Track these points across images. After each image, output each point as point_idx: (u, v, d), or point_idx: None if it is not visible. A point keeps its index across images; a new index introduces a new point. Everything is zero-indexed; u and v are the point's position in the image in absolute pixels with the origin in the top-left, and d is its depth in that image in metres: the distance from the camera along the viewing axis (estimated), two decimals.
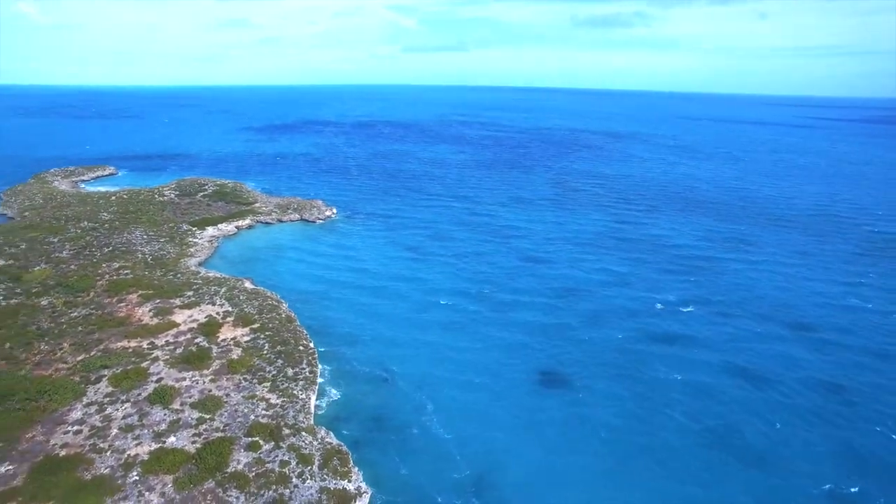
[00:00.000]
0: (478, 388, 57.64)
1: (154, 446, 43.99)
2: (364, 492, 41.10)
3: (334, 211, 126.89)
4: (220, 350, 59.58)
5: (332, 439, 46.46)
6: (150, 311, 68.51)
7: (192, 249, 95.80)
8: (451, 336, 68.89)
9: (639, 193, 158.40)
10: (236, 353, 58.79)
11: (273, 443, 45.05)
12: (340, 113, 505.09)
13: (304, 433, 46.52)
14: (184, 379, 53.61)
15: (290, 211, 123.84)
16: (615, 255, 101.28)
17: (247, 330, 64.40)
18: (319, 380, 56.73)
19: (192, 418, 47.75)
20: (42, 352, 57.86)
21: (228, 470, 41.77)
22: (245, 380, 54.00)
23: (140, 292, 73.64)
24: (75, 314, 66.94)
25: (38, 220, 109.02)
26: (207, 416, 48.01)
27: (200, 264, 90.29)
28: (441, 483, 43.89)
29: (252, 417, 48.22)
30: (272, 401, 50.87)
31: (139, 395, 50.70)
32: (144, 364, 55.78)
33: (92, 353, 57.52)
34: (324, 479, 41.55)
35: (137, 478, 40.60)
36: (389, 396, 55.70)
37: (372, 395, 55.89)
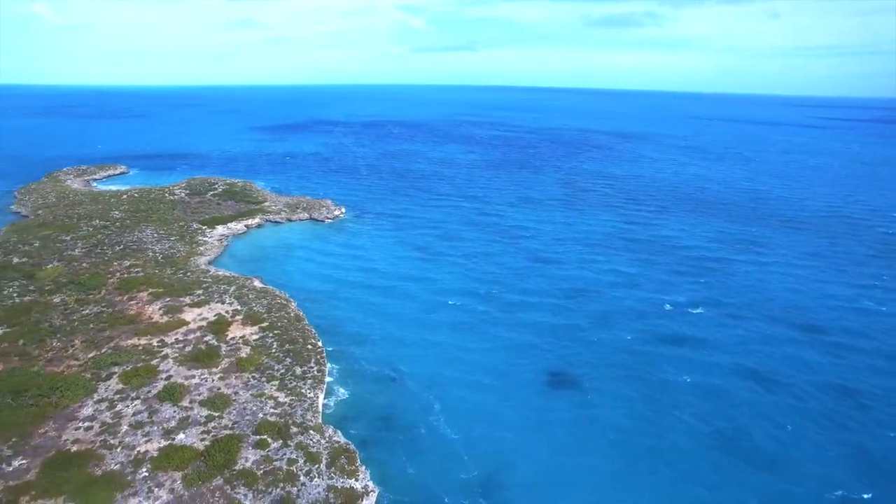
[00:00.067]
0: (486, 388, 57.51)
1: (163, 443, 44.28)
2: (371, 490, 41.13)
3: (343, 210, 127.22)
4: (228, 348, 59.88)
5: (340, 438, 46.53)
6: (160, 309, 69.00)
7: (201, 248, 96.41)
8: (459, 336, 68.81)
9: (649, 194, 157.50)
10: (245, 352, 59.07)
11: (281, 441, 45.19)
12: (349, 113, 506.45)
13: (311, 432, 46.63)
14: (193, 377, 53.94)
15: (299, 210, 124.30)
16: (624, 255, 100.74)
17: (255, 328, 64.69)
18: (328, 379, 56.87)
19: (200, 416, 48.01)
20: (54, 349, 58.44)
21: (237, 467, 41.95)
22: (253, 378, 54.23)
23: (150, 290, 74.21)
24: (87, 312, 67.55)
25: (51, 219, 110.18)
26: (216, 414, 48.26)
27: (210, 263, 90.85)
28: (448, 483, 43.82)
29: (260, 415, 48.41)
30: (280, 399, 51.04)
31: (149, 392, 51.06)
32: (154, 362, 56.18)
33: (103, 351, 58.03)
34: (331, 478, 41.62)
35: (147, 474, 40.88)
36: (397, 396, 55.71)
37: (380, 394, 55.93)
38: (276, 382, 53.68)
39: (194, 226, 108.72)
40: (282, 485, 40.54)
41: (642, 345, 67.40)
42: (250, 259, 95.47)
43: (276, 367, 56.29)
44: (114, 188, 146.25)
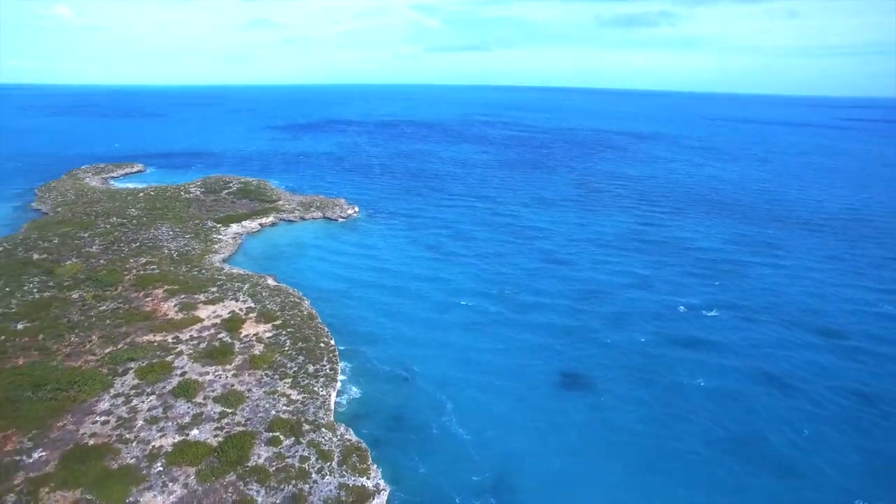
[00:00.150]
0: (498, 389, 57.34)
1: (178, 438, 44.74)
2: (382, 489, 41.21)
3: (356, 209, 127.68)
4: (242, 345, 60.36)
5: (352, 436, 46.69)
6: (175, 305, 69.73)
7: (216, 246, 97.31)
8: (471, 337, 68.71)
9: (663, 195, 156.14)
10: (258, 349, 59.50)
11: (293, 438, 45.44)
12: (363, 112, 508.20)
13: (323, 429, 46.83)
14: (207, 373, 54.44)
15: (312, 209, 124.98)
16: (638, 257, 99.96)
17: (269, 326, 65.13)
18: (340, 377, 57.11)
19: (214, 412, 48.44)
20: (72, 343, 59.32)
21: (249, 464, 42.26)
22: (267, 375, 54.60)
23: (166, 287, 75.02)
24: (104, 308, 68.47)
25: (70, 216, 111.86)
26: (229, 411, 48.65)
27: (224, 261, 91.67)
28: (459, 483, 43.75)
29: (273, 413, 48.71)
30: (293, 397, 51.33)
31: (164, 388, 51.62)
32: (169, 358, 56.79)
33: (119, 346, 58.78)
34: (343, 476, 41.77)
35: (161, 469, 41.33)
36: (409, 396, 55.75)
37: (392, 393, 56.00)
38: (289, 380, 53.99)
39: (209, 224, 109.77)
40: (294, 482, 40.76)
41: (656, 347, 66.81)
42: (264, 257, 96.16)
43: (288, 365, 56.64)
44: (131, 186, 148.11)
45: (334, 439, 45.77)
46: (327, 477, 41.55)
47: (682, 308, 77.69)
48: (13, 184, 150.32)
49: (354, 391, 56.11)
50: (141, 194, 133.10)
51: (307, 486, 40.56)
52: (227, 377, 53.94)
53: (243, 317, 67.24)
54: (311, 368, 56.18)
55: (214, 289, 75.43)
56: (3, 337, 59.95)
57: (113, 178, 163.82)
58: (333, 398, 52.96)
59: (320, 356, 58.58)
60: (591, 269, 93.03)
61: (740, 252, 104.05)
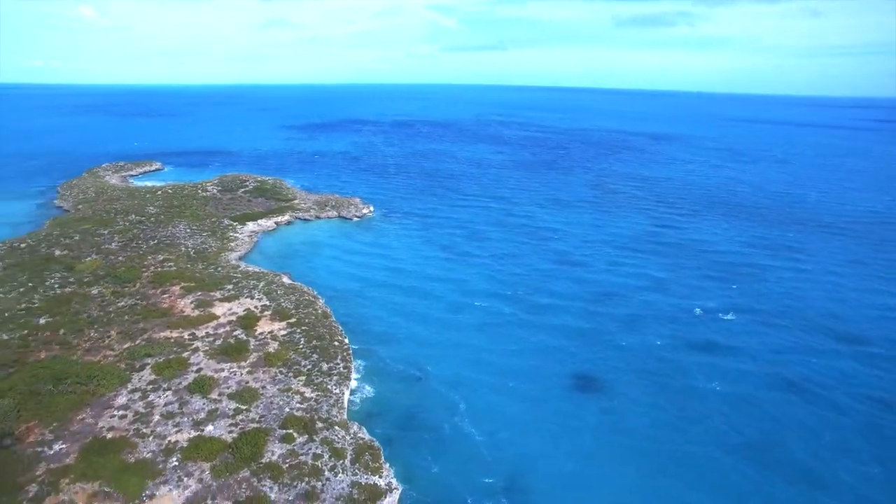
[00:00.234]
0: (511, 390, 57.14)
1: (193, 434, 45.23)
2: (395, 488, 41.27)
3: (371, 209, 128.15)
4: (257, 343, 60.86)
5: (365, 435, 46.85)
6: (191, 302, 70.53)
7: (232, 244, 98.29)
8: (485, 337, 68.56)
9: (680, 197, 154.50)
10: (273, 347, 59.94)
11: (307, 436, 45.70)
12: (379, 112, 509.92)
13: (337, 427, 47.05)
14: (222, 370, 54.97)
15: (327, 208, 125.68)
16: (654, 259, 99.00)
17: (283, 324, 65.60)
18: (354, 376, 57.35)
19: (229, 408, 48.90)
20: (91, 339, 60.30)
21: (263, 460, 42.59)
22: (281, 373, 55.00)
23: (182, 284, 75.91)
24: (122, 304, 69.51)
25: (90, 213, 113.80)
26: (244, 407, 49.08)
27: (240, 258, 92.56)
28: (472, 484, 43.68)
29: (287, 410, 49.04)
30: (307, 394, 51.63)
31: (180, 383, 52.23)
32: (185, 354, 57.45)
33: (137, 342, 59.61)
34: (355, 474, 41.92)
35: (177, 463, 41.83)
36: (422, 395, 55.78)
37: (405, 393, 56.09)
38: (303, 378, 54.32)
39: (225, 222, 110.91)
40: (307, 479, 40.99)
41: (671, 350, 66.10)
42: (279, 255, 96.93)
43: (303, 363, 56.98)
44: (149, 184, 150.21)
45: (347, 437, 45.95)
46: (340, 475, 41.73)
47: (698, 311, 76.78)
48: (37, 181, 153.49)
49: (368, 390, 56.32)
50: (159, 192, 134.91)
51: (320, 483, 40.77)
52: (241, 374, 54.44)
53: (258, 314, 67.80)
54: (324, 367, 56.47)
55: (230, 286, 76.17)
56: (25, 331, 61.16)
57: (132, 176, 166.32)
58: (347, 396, 53.19)
59: (334, 354, 58.86)
60: (606, 271, 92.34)
61: (759, 255, 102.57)
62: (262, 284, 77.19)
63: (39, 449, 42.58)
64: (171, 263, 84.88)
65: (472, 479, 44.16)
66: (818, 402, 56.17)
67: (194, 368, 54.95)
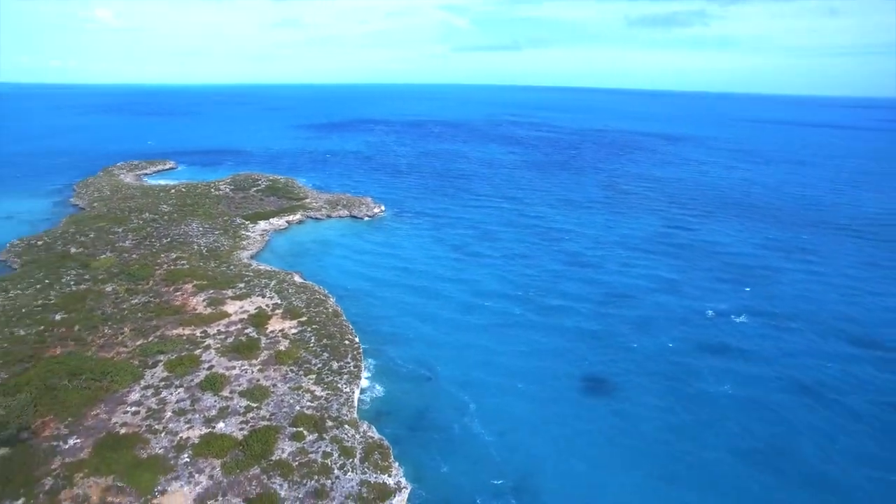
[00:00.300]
0: (521, 392, 56.98)
1: (204, 431, 45.64)
2: (404, 487, 41.34)
3: (383, 208, 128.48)
4: (268, 341, 61.27)
5: (374, 433, 46.99)
6: (203, 300, 71.16)
7: (244, 242, 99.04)
8: (495, 338, 68.45)
9: (693, 198, 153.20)
10: (284, 345, 60.30)
11: (316, 434, 45.93)
12: (391, 112, 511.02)
13: (346, 426, 47.23)
14: (233, 368, 55.41)
15: (339, 207, 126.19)
16: (666, 260, 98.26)
17: (294, 322, 65.97)
18: (364, 375, 57.54)
19: (240, 406, 49.28)
20: (105, 335, 61.06)
21: (273, 458, 42.86)
22: (291, 371, 55.32)
23: (195, 282, 76.61)
24: (136, 301, 70.30)
25: (105, 211, 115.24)
26: (255, 405, 49.43)
27: (252, 257, 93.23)
28: (481, 484, 43.62)
29: (297, 408, 49.32)
30: (317, 393, 51.89)
31: (192, 381, 52.72)
32: (197, 352, 57.97)
33: (150, 339, 60.27)
34: (364, 473, 42.06)
35: (188, 460, 42.24)
36: (432, 395, 55.82)
37: (414, 392, 56.16)
38: (314, 376, 54.59)
39: (237, 220, 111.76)
40: (316, 477, 41.20)
41: (683, 353, 65.58)
42: (291, 254, 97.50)
43: (313, 362, 57.27)
44: (163, 183, 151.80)
45: (357, 436, 46.12)
46: (349, 473, 41.90)
47: (710, 313, 76.12)
48: (54, 179, 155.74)
49: (378, 389, 56.48)
50: (172, 191, 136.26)
51: (329, 481, 40.96)
52: (252, 372, 54.83)
53: (270, 313, 68.25)
54: (335, 365, 56.71)
55: (242, 285, 76.74)
56: (42, 327, 62.09)
57: (146, 174, 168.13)
58: (357, 395, 53.37)
59: (344, 353, 59.09)
60: (617, 273, 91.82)
61: (773, 257, 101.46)
62: (273, 283, 77.69)
63: (55, 443, 43.20)
64: (184, 261, 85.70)
65: (481, 480, 44.12)
66: (833, 407, 55.44)
67: (206, 366, 55.44)
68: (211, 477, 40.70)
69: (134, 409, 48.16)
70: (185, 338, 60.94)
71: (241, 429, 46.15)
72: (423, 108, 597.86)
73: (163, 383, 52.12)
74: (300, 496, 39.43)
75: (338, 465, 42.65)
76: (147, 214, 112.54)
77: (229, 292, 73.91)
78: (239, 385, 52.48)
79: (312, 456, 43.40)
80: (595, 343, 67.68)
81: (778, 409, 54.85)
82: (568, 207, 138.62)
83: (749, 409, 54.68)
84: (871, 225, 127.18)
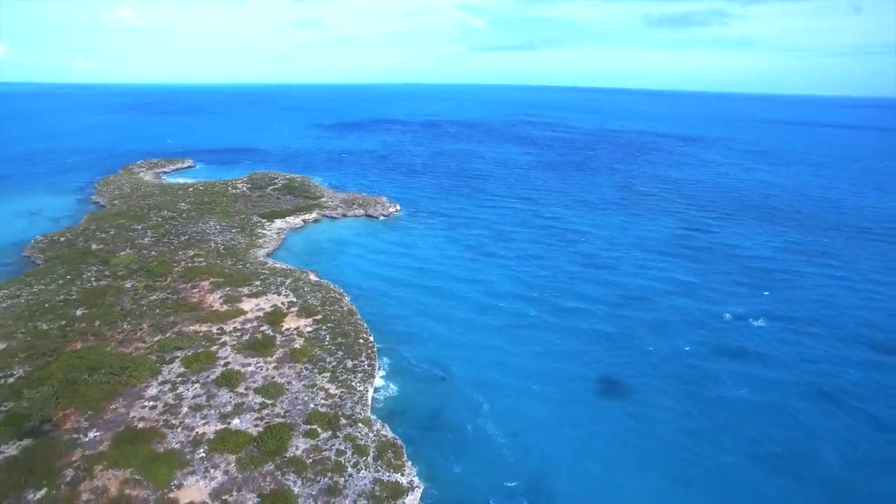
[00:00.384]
0: (535, 394, 56.72)
1: (219, 426, 46.10)
2: (416, 486, 41.37)
3: (398, 208, 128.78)
4: (283, 339, 61.71)
5: (388, 432, 47.09)
6: (220, 298, 71.91)
7: (260, 240, 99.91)
8: (509, 339, 68.23)
9: (711, 200, 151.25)
10: (299, 343, 60.70)
11: (330, 431, 46.16)
12: (408, 112, 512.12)
13: (360, 424, 47.40)
14: (249, 364, 55.90)
15: (355, 206, 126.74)
16: (683, 263, 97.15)
17: (309, 321, 66.37)
18: (378, 373, 57.72)
19: (255, 403, 49.70)
20: (125, 331, 62.01)
21: (287, 454, 43.16)
22: (306, 369, 55.65)
23: (212, 280, 77.46)
24: (154, 297, 71.27)
25: (125, 209, 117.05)
26: (269, 402, 49.82)
27: (268, 255, 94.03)
28: (494, 485, 43.53)
29: (311, 406, 49.60)
30: (331, 391, 52.15)
31: (208, 377, 53.30)
32: (213, 348, 58.59)
33: (167, 335, 61.06)
34: (378, 471, 42.17)
35: (204, 455, 42.70)
36: (446, 395, 55.82)
37: (428, 392, 56.19)
38: (328, 374, 54.88)
39: (254, 219, 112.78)
40: (330, 474, 41.40)
41: (700, 356, 64.78)
42: (306, 253, 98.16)
43: (328, 360, 57.57)
44: (181, 181, 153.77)
45: (370, 434, 46.27)
46: (362, 471, 42.04)
47: (728, 317, 75.12)
48: (76, 177, 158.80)
49: (392, 388, 56.63)
50: (190, 189, 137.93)
51: (342, 479, 41.13)
52: (268, 369, 55.28)
53: (285, 310, 68.75)
54: (349, 364, 56.95)
55: (258, 282, 77.41)
56: (63, 322, 63.28)
57: (165, 173, 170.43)
58: (371, 394, 53.53)
59: (359, 352, 59.31)
60: (633, 275, 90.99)
61: (793, 261, 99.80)
62: (289, 281, 78.26)
63: (75, 435, 44.01)
64: (201, 259, 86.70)
65: (494, 481, 44.02)
66: (854, 414, 54.37)
67: (222, 362, 56.02)
68: (226, 472, 41.11)
69: (151, 403, 48.83)
70: (201, 334, 61.64)
71: (256, 425, 46.54)
72: (440, 108, 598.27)
73: (179, 379, 52.77)
74: (313, 493, 39.66)
75: (351, 462, 42.82)
76: (166, 212, 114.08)
77: (245, 290, 74.60)
78: (254, 382, 52.93)
79: (326, 453, 43.63)
80: (610, 345, 67.16)
81: (797, 415, 53.97)
82: (583, 208, 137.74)
83: (767, 414, 53.87)
84: (894, 229, 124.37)
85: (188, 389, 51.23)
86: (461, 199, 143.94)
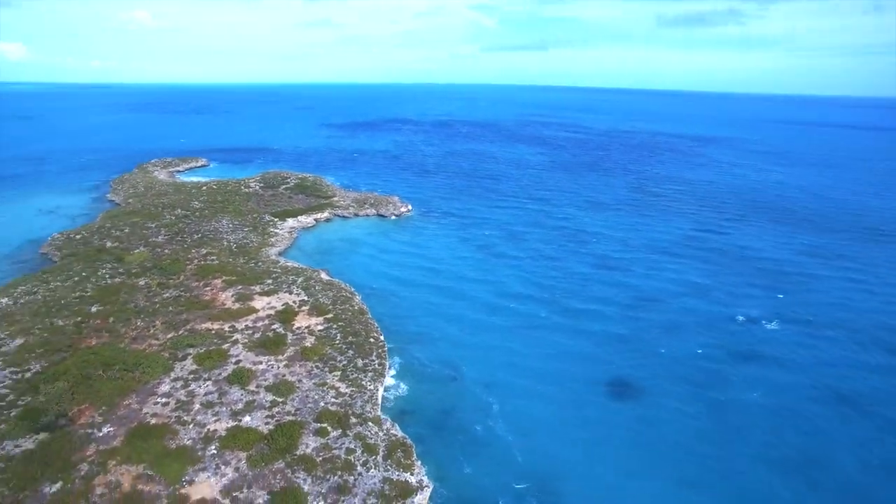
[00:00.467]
0: (545, 395, 56.46)
1: (231, 424, 46.42)
2: (426, 486, 41.38)
3: (410, 207, 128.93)
4: (294, 337, 62.01)
5: (398, 431, 47.14)
6: (232, 296, 72.44)
7: (272, 239, 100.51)
8: (520, 340, 68.00)
9: (724, 201, 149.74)
10: (310, 341, 60.96)
11: (340, 430, 46.31)
12: (420, 112, 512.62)
13: (370, 423, 47.51)
14: (260, 362, 56.25)
15: (366, 206, 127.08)
16: (696, 264, 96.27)
17: (321, 319, 66.64)
18: (389, 373, 57.82)
19: (266, 400, 49.99)
20: (138, 328, 62.68)
21: (297, 452, 43.36)
22: (317, 367, 55.88)
23: (224, 278, 78.05)
24: (167, 295, 71.96)
25: (139, 207, 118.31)
26: (280, 400, 50.08)
27: (280, 254, 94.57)
28: (503, 486, 43.42)
29: (322, 404, 49.80)
30: (341, 389, 52.32)
31: (220, 374, 53.70)
32: (225, 346, 59.03)
33: (180, 333, 61.61)
34: (387, 470, 42.24)
35: (215, 452, 43.02)
36: (456, 395, 55.76)
37: (438, 392, 56.18)
38: (339, 373, 55.06)
39: (266, 218, 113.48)
40: (339, 473, 41.54)
41: (712, 359, 64.13)
42: (318, 252, 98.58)
43: (338, 359, 57.77)
44: (194, 180, 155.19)
45: (380, 433, 46.35)
46: (372, 470, 42.13)
47: (741, 319, 74.31)
48: (92, 176, 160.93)
49: (402, 387, 56.71)
50: (204, 188, 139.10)
51: (352, 477, 41.25)
52: (279, 367, 55.58)
53: (296, 309, 69.09)
54: (360, 363, 57.11)
55: (270, 281, 77.87)
56: (79, 318, 64.12)
57: (178, 171, 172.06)
58: (381, 393, 53.65)
59: (369, 351, 59.46)
60: (646, 276, 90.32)
61: (807, 263, 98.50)
62: (300, 280, 78.64)
63: (90, 430, 44.57)
64: (214, 257, 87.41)
65: (503, 481, 43.92)
66: (871, 418, 53.52)
67: (233, 360, 56.42)
68: (237, 469, 41.39)
69: (164, 400, 49.31)
70: (213, 332, 62.12)
71: (267, 423, 46.81)
72: (452, 107, 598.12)
73: (191, 376, 53.22)
74: (323, 491, 39.81)
75: (361, 461, 42.92)
76: (179, 211, 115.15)
77: (257, 288, 75.08)
78: (265, 380, 53.25)
79: (336, 452, 43.77)
80: (622, 347, 66.71)
81: (812, 418, 53.27)
82: (596, 209, 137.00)
83: (781, 417, 53.22)
84: None
85: (200, 386, 51.66)
86: (473, 199, 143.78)
